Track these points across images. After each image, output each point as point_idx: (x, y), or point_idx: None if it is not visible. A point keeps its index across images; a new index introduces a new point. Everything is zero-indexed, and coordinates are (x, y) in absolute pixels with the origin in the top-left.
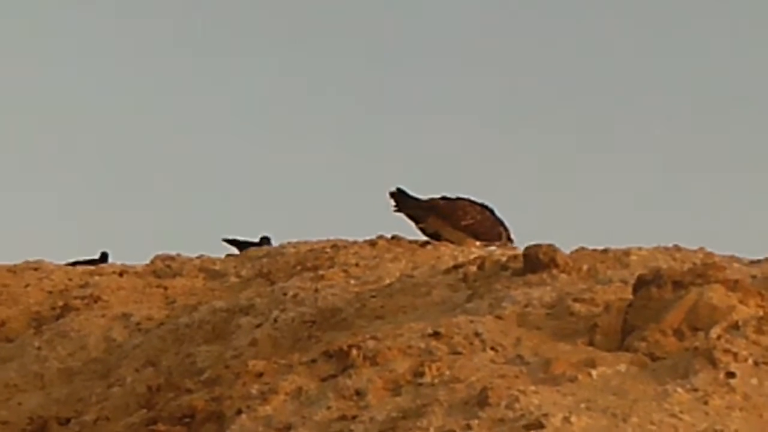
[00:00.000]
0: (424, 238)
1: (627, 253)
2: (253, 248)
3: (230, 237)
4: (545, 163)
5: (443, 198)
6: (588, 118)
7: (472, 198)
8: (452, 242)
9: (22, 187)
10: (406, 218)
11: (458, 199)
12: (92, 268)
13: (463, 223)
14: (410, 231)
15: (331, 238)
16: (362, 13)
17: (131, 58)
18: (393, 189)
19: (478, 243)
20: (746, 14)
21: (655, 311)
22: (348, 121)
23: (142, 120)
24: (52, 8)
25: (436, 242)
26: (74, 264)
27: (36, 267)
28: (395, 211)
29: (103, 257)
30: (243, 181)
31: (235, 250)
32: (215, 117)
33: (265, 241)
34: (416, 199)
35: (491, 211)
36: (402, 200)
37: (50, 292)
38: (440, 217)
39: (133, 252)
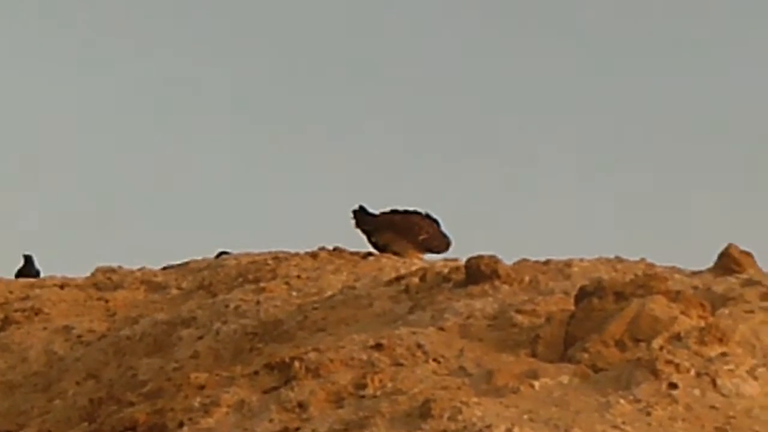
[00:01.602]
0: (366, 249)
1: (569, 264)
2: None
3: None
4: (487, 176)
5: (394, 212)
6: (523, 129)
7: (419, 210)
8: (397, 254)
9: None
10: (361, 233)
11: (411, 213)
12: (33, 280)
13: (420, 237)
14: (351, 243)
15: (273, 249)
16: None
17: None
18: (356, 207)
19: (421, 255)
20: None
21: (597, 322)
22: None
23: (80, 130)
24: None
25: (378, 254)
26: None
27: None
28: (355, 226)
29: (27, 260)
30: (188, 191)
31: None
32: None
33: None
34: (373, 215)
35: (437, 223)
36: (361, 217)
37: None
38: (397, 232)
39: (73, 264)
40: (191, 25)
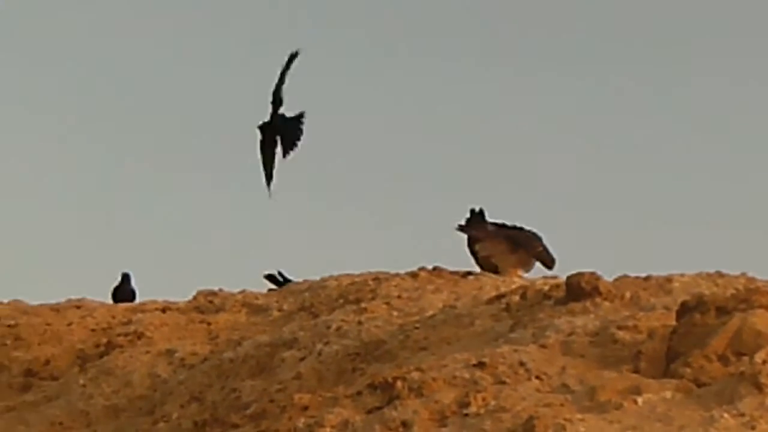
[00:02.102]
0: (465, 269)
1: (669, 279)
2: (294, 283)
3: (269, 272)
4: (585, 188)
5: (504, 225)
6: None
7: (519, 225)
8: (496, 272)
9: (62, 225)
10: (465, 237)
11: (521, 229)
12: (135, 304)
13: (537, 249)
14: (451, 262)
15: (372, 270)
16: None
17: None
18: (476, 207)
19: (521, 273)
20: None
21: (700, 337)
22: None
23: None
24: None
25: (478, 272)
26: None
27: (78, 305)
28: (461, 228)
29: (124, 278)
30: (279, 215)
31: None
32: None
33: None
34: (487, 222)
35: (541, 240)
36: (474, 219)
37: (93, 330)
38: (509, 246)
39: (174, 288)
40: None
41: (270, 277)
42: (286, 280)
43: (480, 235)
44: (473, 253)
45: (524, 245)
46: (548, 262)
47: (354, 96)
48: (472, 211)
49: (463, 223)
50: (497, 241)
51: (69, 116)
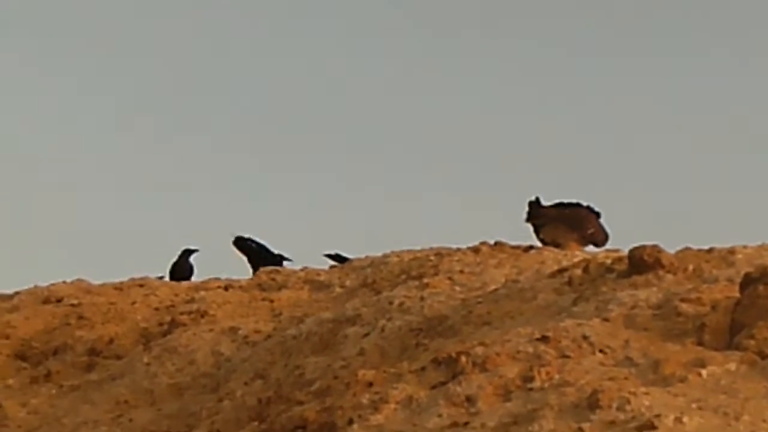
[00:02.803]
0: (526, 243)
1: (732, 251)
2: (356, 259)
3: (331, 252)
4: (647, 165)
5: (561, 204)
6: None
7: (582, 203)
8: (559, 247)
9: (126, 205)
10: (530, 226)
11: (576, 205)
12: (197, 282)
13: (589, 232)
14: (513, 236)
15: (434, 246)
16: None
17: None
18: (532, 198)
19: (582, 248)
20: None
21: (764, 309)
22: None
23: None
24: None
25: (539, 247)
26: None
27: (141, 284)
28: (526, 219)
29: (184, 254)
30: (337, 194)
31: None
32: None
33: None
34: (544, 208)
35: (599, 215)
36: (534, 209)
37: (157, 309)
38: (567, 226)
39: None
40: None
41: (330, 257)
42: (344, 260)
43: (539, 221)
44: (541, 240)
45: (578, 228)
46: (599, 243)
47: (418, 73)
48: (530, 203)
49: (526, 212)
50: (556, 225)
51: (126, 96)
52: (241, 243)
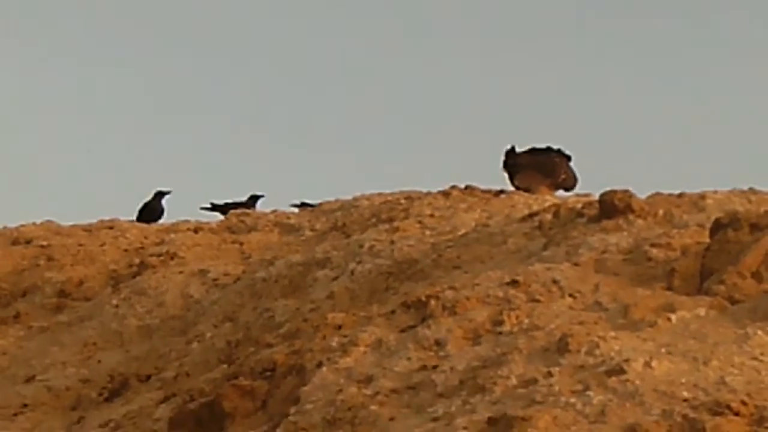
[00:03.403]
0: (497, 187)
1: (702, 196)
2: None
3: (211, 203)
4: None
5: (534, 150)
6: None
7: (553, 147)
8: (529, 191)
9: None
10: (506, 173)
11: (549, 150)
12: (167, 225)
13: (560, 178)
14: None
15: (404, 189)
16: None
17: None
18: (508, 147)
19: (552, 192)
20: None
21: (733, 254)
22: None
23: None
24: None
25: (509, 191)
26: (225, 206)
27: (111, 226)
28: (503, 167)
29: (157, 195)
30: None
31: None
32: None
33: (252, 200)
34: (518, 155)
35: (569, 159)
36: (509, 157)
37: (126, 251)
38: (541, 173)
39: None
40: None
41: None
42: (234, 206)
43: (514, 169)
44: (516, 187)
45: (550, 174)
46: (569, 188)
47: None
48: (506, 152)
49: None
50: (529, 172)
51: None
52: (212, 208)
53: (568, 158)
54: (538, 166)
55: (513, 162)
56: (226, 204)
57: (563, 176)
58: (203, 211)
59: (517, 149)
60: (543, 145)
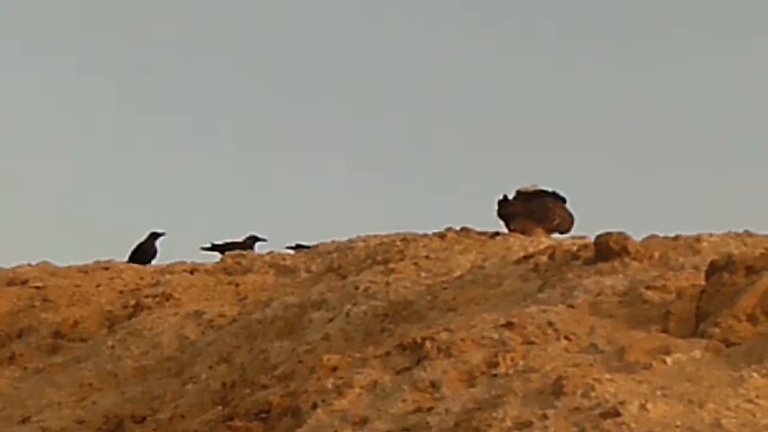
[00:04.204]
0: (493, 229)
1: (698, 239)
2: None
3: (212, 243)
4: (617, 151)
5: (528, 196)
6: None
7: (547, 189)
8: (525, 234)
9: (89, 188)
10: (501, 220)
11: (543, 194)
12: (163, 266)
13: (554, 223)
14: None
15: (400, 231)
16: None
17: None
18: (500, 196)
19: (548, 234)
20: None
21: (729, 297)
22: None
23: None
24: None
25: (505, 233)
26: (225, 246)
27: (106, 266)
28: (497, 215)
29: (151, 236)
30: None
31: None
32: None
33: (251, 240)
34: (511, 204)
35: (564, 201)
36: (501, 207)
37: (122, 292)
38: (535, 220)
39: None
40: None
41: (292, 249)
42: (232, 246)
43: (508, 216)
44: (511, 231)
45: (544, 220)
46: (565, 231)
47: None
48: (499, 202)
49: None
50: (523, 221)
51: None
52: (212, 248)
53: (563, 200)
54: (530, 213)
55: (506, 212)
56: (226, 244)
57: (557, 221)
58: (201, 252)
59: (510, 197)
60: (536, 187)
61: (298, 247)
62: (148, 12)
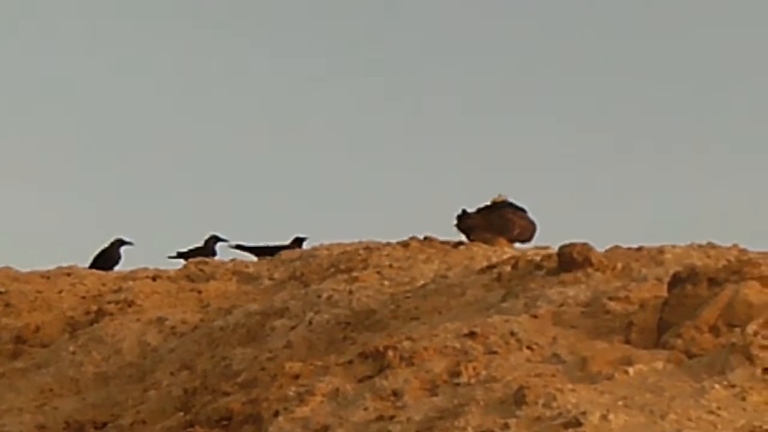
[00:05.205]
0: (456, 239)
1: (661, 251)
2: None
3: (178, 252)
4: (580, 162)
5: (488, 208)
6: (619, 116)
7: (507, 200)
8: (487, 243)
9: (52, 192)
10: (461, 233)
11: (502, 207)
12: (125, 272)
13: (515, 233)
14: (442, 232)
15: (363, 240)
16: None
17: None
18: (459, 211)
19: (511, 245)
20: None
21: (691, 308)
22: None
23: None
24: None
25: (468, 243)
26: (186, 254)
27: (69, 272)
28: (456, 227)
29: (115, 243)
30: (269, 181)
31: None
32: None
33: (212, 240)
34: (471, 216)
35: (524, 211)
36: (460, 221)
37: (84, 297)
38: (495, 232)
39: (159, 256)
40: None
41: (180, 255)
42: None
43: (468, 229)
44: (472, 241)
45: (503, 231)
46: (526, 240)
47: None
48: (458, 216)
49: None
50: (483, 234)
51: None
52: (178, 256)
53: (523, 210)
54: (490, 226)
55: (465, 225)
56: (190, 251)
57: (517, 230)
58: (164, 258)
59: (468, 210)
60: (496, 201)
61: (238, 247)
62: None
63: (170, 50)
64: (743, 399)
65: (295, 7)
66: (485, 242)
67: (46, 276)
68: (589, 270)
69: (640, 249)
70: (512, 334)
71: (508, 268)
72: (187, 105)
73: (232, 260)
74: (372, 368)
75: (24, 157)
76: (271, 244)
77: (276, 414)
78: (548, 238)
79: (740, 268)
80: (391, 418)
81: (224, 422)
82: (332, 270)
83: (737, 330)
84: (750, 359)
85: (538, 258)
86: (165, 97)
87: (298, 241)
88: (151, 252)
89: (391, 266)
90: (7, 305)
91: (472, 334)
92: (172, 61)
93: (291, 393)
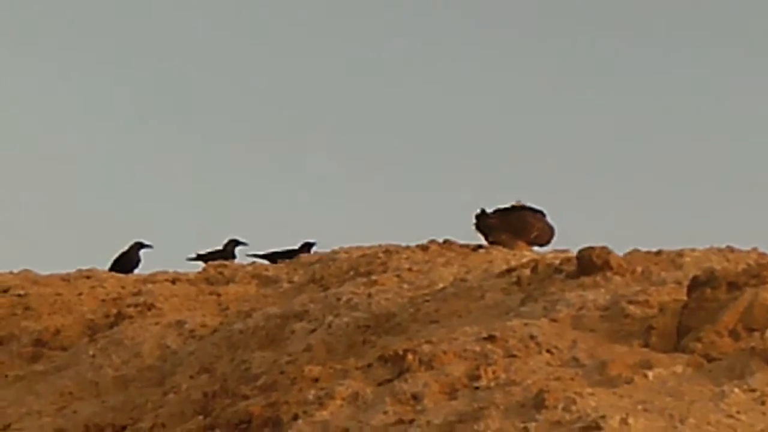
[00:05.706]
0: (476, 242)
1: (680, 254)
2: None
3: (197, 254)
4: (593, 166)
5: (506, 210)
6: (639, 120)
7: (525, 204)
8: (506, 247)
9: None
10: (480, 234)
11: (521, 209)
12: (145, 275)
13: (532, 236)
14: (461, 235)
15: (383, 243)
16: None
17: None
18: (478, 211)
19: (530, 248)
20: None
21: (710, 312)
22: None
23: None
24: None
25: (488, 246)
26: (205, 257)
27: (89, 275)
28: (475, 229)
29: (134, 246)
30: (284, 185)
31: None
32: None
33: (231, 244)
34: (490, 217)
35: (543, 214)
36: (479, 221)
37: (103, 301)
38: (512, 233)
39: (178, 259)
40: None
41: (198, 258)
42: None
43: (487, 230)
44: (491, 243)
45: (521, 234)
46: (543, 243)
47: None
48: (477, 216)
49: (474, 223)
50: (501, 235)
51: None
52: (197, 258)
53: (542, 213)
54: (508, 227)
55: (484, 224)
56: (210, 253)
57: (535, 233)
58: (184, 261)
59: (488, 210)
60: (515, 204)
61: (253, 256)
62: None
63: (176, 50)
64: (763, 403)
65: (295, 7)
66: (503, 243)
67: (65, 279)
68: (609, 274)
69: (659, 253)
70: (531, 337)
71: (528, 272)
72: (204, 108)
73: (252, 263)
74: (391, 372)
75: (44, 162)
76: (280, 249)
77: (295, 417)
78: (568, 241)
79: (760, 271)
80: (411, 421)
81: (243, 426)
82: (352, 273)
83: (757, 334)
84: None
85: (557, 261)
86: (183, 101)
87: (307, 246)
88: (170, 255)
89: (410, 269)
90: (26, 308)
91: (491, 338)
92: (182, 61)
93: (310, 396)
